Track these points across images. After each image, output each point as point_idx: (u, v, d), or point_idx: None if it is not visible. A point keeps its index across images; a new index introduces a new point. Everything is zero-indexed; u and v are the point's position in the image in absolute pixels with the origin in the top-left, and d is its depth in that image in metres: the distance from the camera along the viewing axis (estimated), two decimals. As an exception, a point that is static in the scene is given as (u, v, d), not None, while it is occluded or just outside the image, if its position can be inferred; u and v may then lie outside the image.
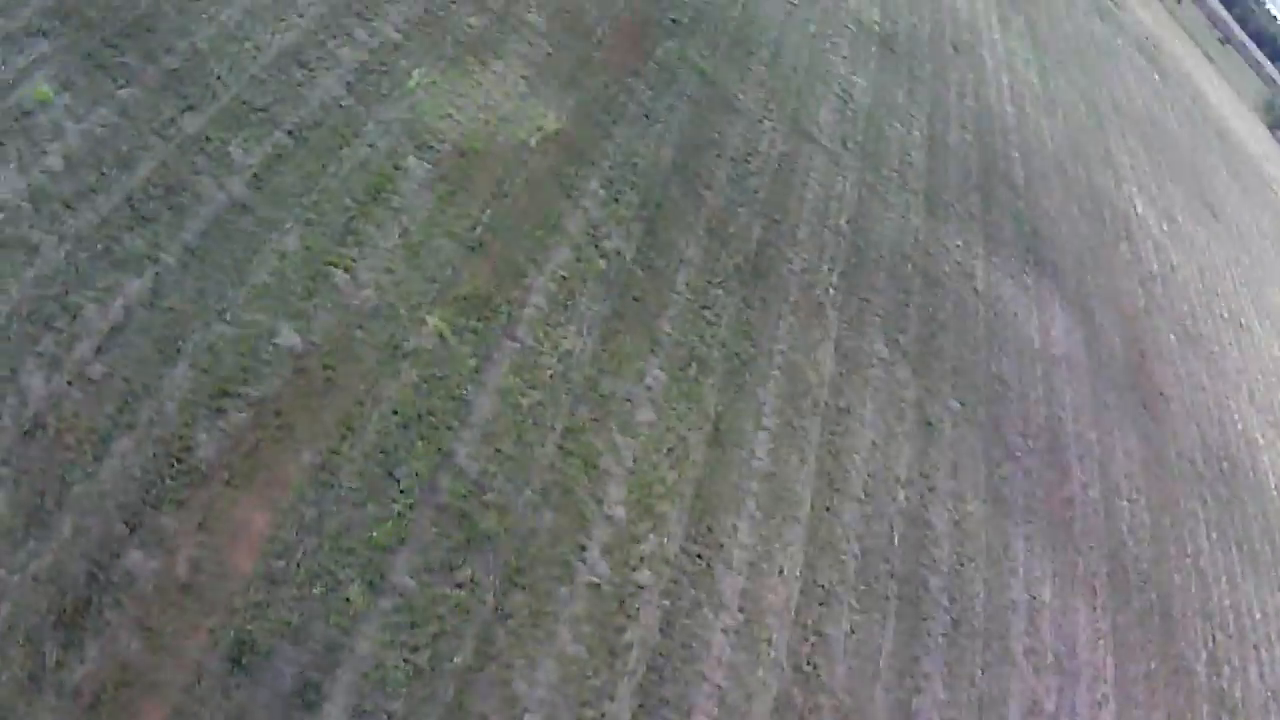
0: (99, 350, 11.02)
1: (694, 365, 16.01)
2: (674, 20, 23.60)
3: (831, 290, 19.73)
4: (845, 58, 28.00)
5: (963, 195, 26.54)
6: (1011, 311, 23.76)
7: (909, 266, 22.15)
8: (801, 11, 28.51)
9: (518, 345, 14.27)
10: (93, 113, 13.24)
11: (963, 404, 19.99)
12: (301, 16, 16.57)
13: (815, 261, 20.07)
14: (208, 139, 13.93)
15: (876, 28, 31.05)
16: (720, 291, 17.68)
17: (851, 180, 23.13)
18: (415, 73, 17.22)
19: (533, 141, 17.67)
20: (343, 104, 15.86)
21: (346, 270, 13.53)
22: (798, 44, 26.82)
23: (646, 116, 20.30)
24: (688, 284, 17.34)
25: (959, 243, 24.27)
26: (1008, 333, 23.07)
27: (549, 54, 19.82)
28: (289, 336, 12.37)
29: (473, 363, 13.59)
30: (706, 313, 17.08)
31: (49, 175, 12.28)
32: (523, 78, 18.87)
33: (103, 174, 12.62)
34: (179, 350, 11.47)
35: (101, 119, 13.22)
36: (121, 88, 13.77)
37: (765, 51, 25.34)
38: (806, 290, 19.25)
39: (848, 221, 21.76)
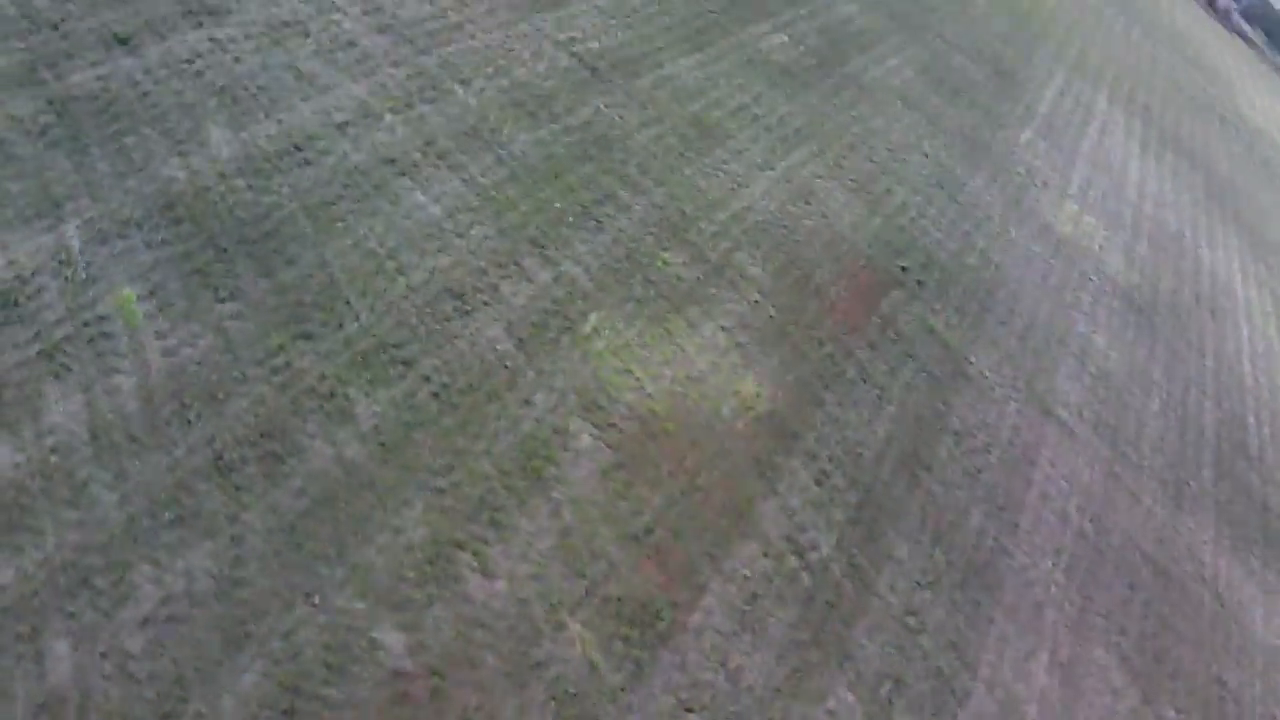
0: (146, 622, 10.03)
1: (888, 685, 14.54)
2: (905, 269, 23.00)
3: (1054, 589, 18.65)
4: (1087, 314, 28.08)
5: (1199, 471, 26.12)
6: (1237, 600, 23.13)
7: (1139, 556, 21.41)
8: (1045, 262, 28.62)
9: (678, 660, 12.82)
10: (183, 333, 11.98)
11: (1179, 712, 19.06)
12: (462, 238, 15.49)
13: (1039, 557, 19.03)
14: (323, 380, 12.55)
15: (1120, 279, 31.71)
16: (928, 595, 16.25)
17: (1086, 459, 22.46)
18: (597, 319, 15.67)
19: (732, 414, 16.12)
20: (500, 350, 14.34)
21: (476, 558, 12.18)
22: (1039, 299, 26.65)
23: (868, 385, 19.05)
24: (892, 587, 15.87)
25: (1192, 525, 23.91)
26: (1231, 627, 22.29)
27: (763, 310, 18.55)
28: (390, 633, 11.17)
29: (618, 679, 12.18)
30: (910, 620, 15.60)
31: (117, 404, 11.11)
32: (730, 337, 17.39)
33: (184, 410, 11.44)
34: (248, 635, 10.40)
35: (193, 342, 11.96)
36: (224, 304, 12.45)
37: (1005, 309, 24.98)
38: (1026, 590, 18.09)
39: (1079, 508, 21.03)
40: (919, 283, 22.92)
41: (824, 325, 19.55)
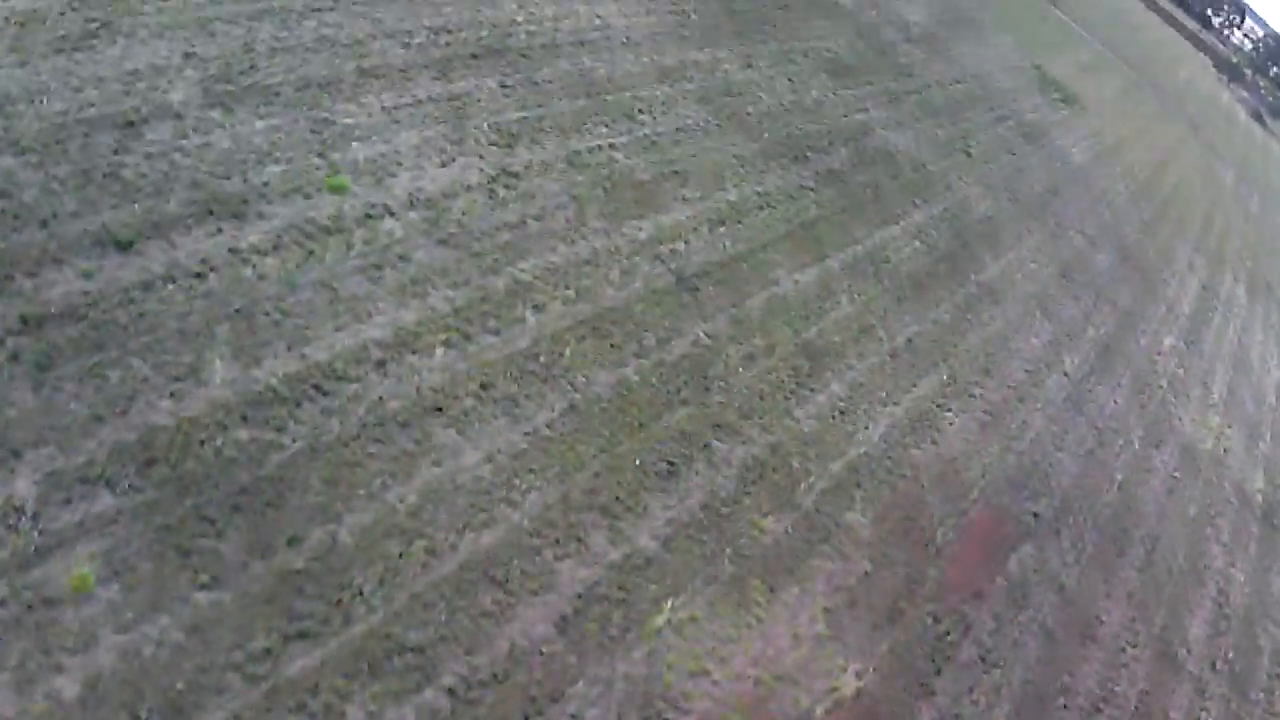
0: None
1: None
2: (1037, 515, 20.91)
3: None
4: (1224, 544, 26.49)
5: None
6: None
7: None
8: (1184, 487, 26.97)
9: None
10: (148, 620, 10.22)
11: None
12: (514, 506, 13.30)
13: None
14: (316, 688, 10.60)
15: (1260, 497, 30.26)
16: None
17: (1214, 715, 20.66)
18: (668, 605, 13.36)
19: (814, 701, 13.99)
20: (545, 649, 12.20)
21: None
22: (1176, 533, 24.91)
23: (983, 659, 16.79)
24: None
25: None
26: None
27: (866, 573, 16.24)
28: None
29: None
30: None
31: (56, 704, 9.41)
32: (824, 610, 15.08)
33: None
34: None
35: (159, 632, 10.19)
36: (203, 587, 10.58)
37: (1141, 550, 23.11)
38: None
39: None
40: (1054, 530, 21.05)
41: (943, 593, 17.51)
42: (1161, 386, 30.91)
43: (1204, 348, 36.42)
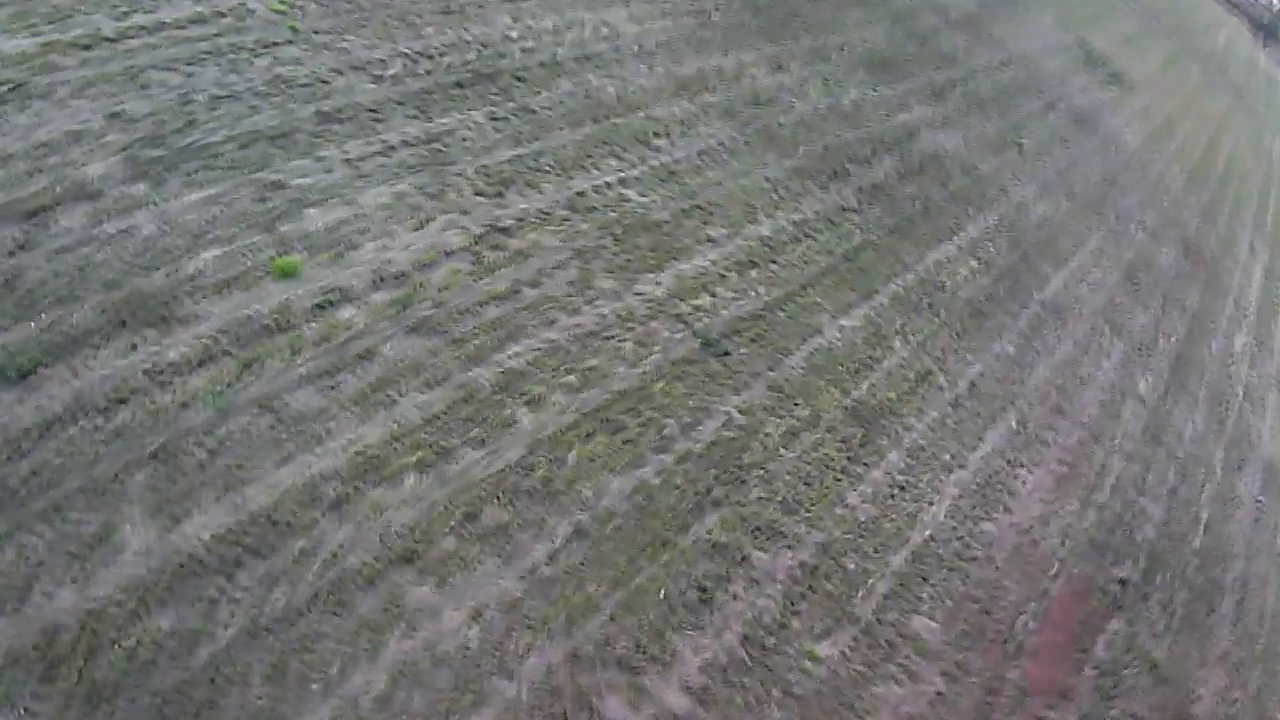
0: None
1: None
2: (1123, 581, 18.49)
3: None
4: None
5: None
6: None
7: None
8: (1270, 514, 24.46)
9: None
10: None
11: None
12: (510, 677, 10.12)
13: None
14: None
15: None
16: None
17: None
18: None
19: None
20: None
21: None
22: (1265, 572, 22.43)
23: None
24: None
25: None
26: None
27: (939, 693, 13.72)
28: None
29: None
30: None
31: None
32: None
33: None
34: None
35: None
36: None
37: (1232, 601, 20.67)
38: None
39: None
40: (1142, 597, 18.57)
41: (1018, 694, 14.89)
42: (1237, 396, 28.67)
43: (1275, 345, 34.06)
